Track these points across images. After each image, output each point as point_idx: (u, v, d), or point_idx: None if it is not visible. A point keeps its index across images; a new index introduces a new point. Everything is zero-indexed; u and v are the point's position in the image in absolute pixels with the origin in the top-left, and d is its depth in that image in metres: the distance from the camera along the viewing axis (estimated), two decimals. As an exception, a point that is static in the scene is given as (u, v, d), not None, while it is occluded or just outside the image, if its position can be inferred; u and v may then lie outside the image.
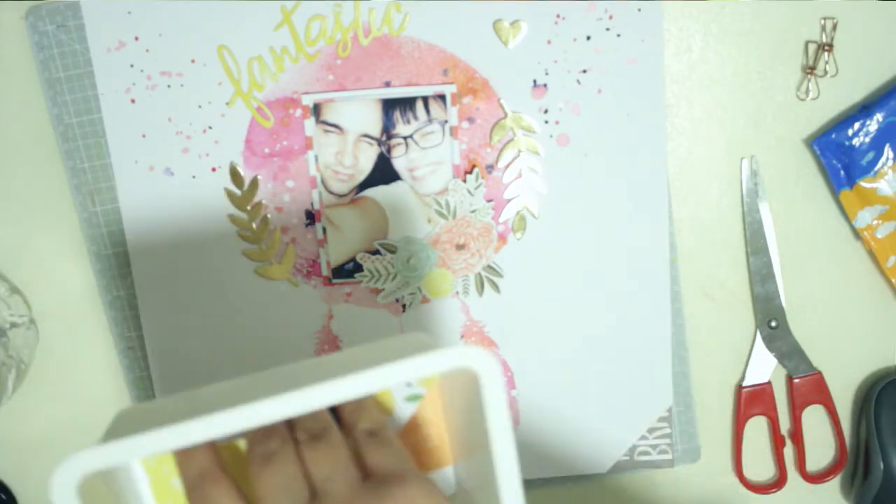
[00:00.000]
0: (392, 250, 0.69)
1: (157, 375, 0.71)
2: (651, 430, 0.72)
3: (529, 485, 0.73)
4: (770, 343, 0.72)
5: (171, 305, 0.69)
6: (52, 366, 0.72)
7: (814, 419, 0.74)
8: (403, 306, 0.70)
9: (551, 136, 0.67)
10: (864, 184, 0.68)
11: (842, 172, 0.68)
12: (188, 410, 0.40)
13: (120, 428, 0.42)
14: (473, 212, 0.68)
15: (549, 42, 0.66)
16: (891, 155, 0.68)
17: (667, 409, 0.71)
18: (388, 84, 0.66)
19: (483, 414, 0.41)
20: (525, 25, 0.65)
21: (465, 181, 0.67)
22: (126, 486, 0.45)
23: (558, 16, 0.65)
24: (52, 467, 0.74)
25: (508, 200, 0.68)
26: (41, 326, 0.71)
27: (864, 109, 0.67)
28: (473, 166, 0.67)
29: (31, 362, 0.71)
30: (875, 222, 0.69)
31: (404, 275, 0.69)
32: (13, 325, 0.68)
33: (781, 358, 0.72)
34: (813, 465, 0.74)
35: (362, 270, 0.69)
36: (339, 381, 0.39)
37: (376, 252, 0.69)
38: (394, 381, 0.40)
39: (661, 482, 0.75)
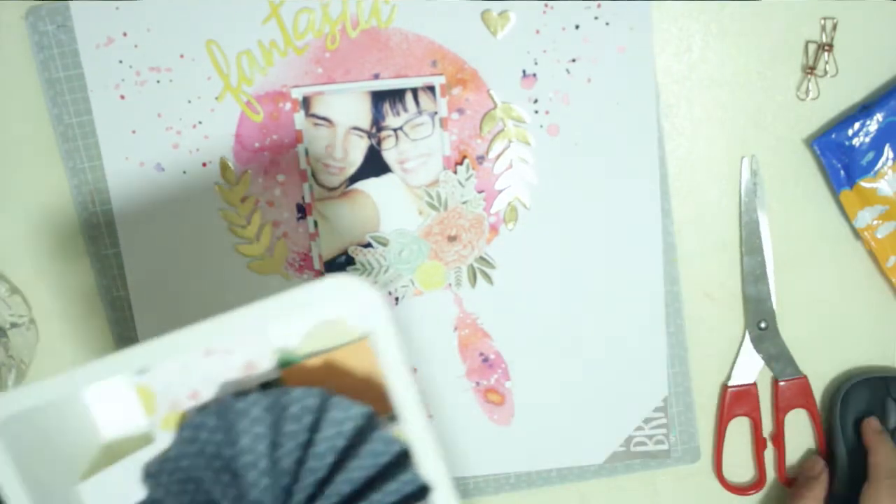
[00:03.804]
0: (384, 243, 0.64)
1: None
2: (647, 421, 0.68)
3: (530, 483, 0.70)
4: (758, 344, 0.69)
5: (165, 302, 0.67)
6: (52, 366, 0.69)
7: (797, 423, 0.70)
8: (396, 299, 0.66)
9: (541, 126, 0.64)
10: (864, 184, 0.66)
11: (842, 172, 0.65)
12: None
13: None
14: (465, 203, 0.64)
15: (537, 32, 0.63)
16: (891, 155, 0.65)
17: (662, 399, 0.68)
18: (376, 76, 0.63)
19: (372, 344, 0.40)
20: (513, 15, 0.62)
21: (455, 172, 0.63)
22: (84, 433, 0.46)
23: (546, 5, 0.62)
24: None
25: (500, 191, 0.65)
26: (41, 326, 0.69)
27: (864, 109, 0.65)
28: (464, 157, 0.64)
29: (31, 362, 0.68)
30: (875, 222, 0.66)
31: (396, 267, 0.66)
32: (13, 325, 0.66)
33: (769, 360, 0.69)
34: (793, 468, 0.71)
35: (354, 263, 0.66)
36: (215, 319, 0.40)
37: (368, 245, 0.66)
38: (265, 317, 0.40)
39: (661, 482, 0.71)
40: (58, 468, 0.43)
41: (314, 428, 0.42)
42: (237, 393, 0.43)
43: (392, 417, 0.43)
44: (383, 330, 0.39)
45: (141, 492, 0.44)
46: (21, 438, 0.40)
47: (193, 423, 0.43)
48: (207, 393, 0.45)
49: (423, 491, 0.40)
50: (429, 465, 0.40)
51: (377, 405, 0.43)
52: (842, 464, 0.68)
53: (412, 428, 0.40)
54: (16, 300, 0.67)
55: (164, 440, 0.45)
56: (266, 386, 0.45)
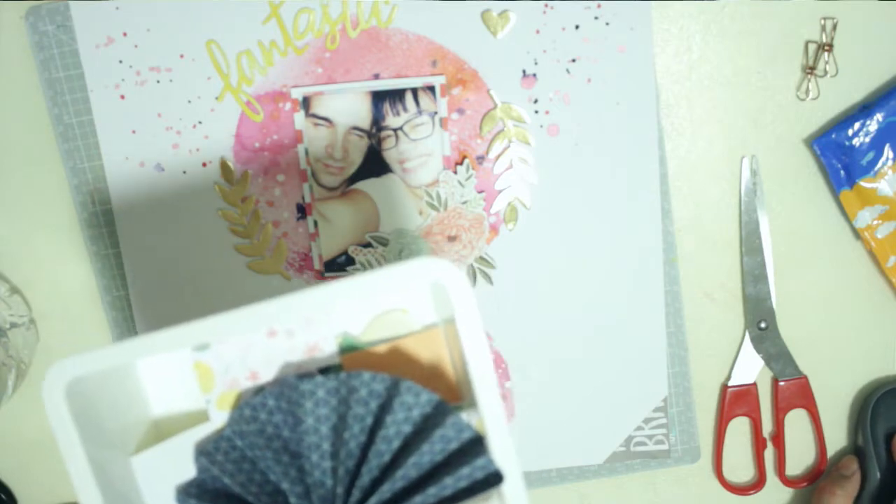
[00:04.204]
0: (384, 243, 0.64)
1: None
2: (647, 420, 0.68)
3: (530, 483, 0.70)
4: (758, 344, 0.68)
5: (165, 302, 0.66)
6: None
7: (797, 423, 0.70)
8: None
9: (542, 126, 0.63)
10: (864, 184, 0.65)
11: (842, 172, 0.65)
12: None
13: None
14: (465, 203, 0.64)
15: (537, 32, 0.62)
16: (891, 155, 0.65)
17: (662, 399, 0.67)
18: (377, 76, 0.62)
19: (456, 329, 0.39)
20: (513, 15, 0.62)
21: (455, 172, 0.63)
22: (135, 409, 0.45)
23: (546, 5, 0.62)
24: (52, 467, 0.70)
25: (500, 191, 0.65)
26: (41, 326, 0.69)
27: (864, 109, 0.64)
28: (464, 157, 0.63)
29: (31, 362, 0.67)
30: (875, 222, 0.66)
31: (396, 268, 0.64)
32: (13, 325, 0.65)
33: (768, 360, 0.69)
34: (792, 469, 0.71)
35: (354, 263, 0.65)
36: (312, 291, 0.40)
37: (368, 245, 0.65)
38: (355, 294, 0.39)
39: (661, 482, 0.71)
40: (112, 440, 0.43)
41: (384, 411, 0.41)
42: (300, 375, 0.43)
43: (458, 409, 0.42)
44: (468, 311, 0.39)
45: (193, 469, 0.44)
46: (81, 404, 0.40)
47: (254, 403, 0.42)
48: (267, 374, 0.45)
49: (494, 478, 0.40)
50: (502, 454, 0.40)
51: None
52: (872, 481, 0.67)
53: (490, 414, 0.39)
54: (16, 300, 0.66)
55: (218, 419, 0.44)
56: (324, 371, 0.45)
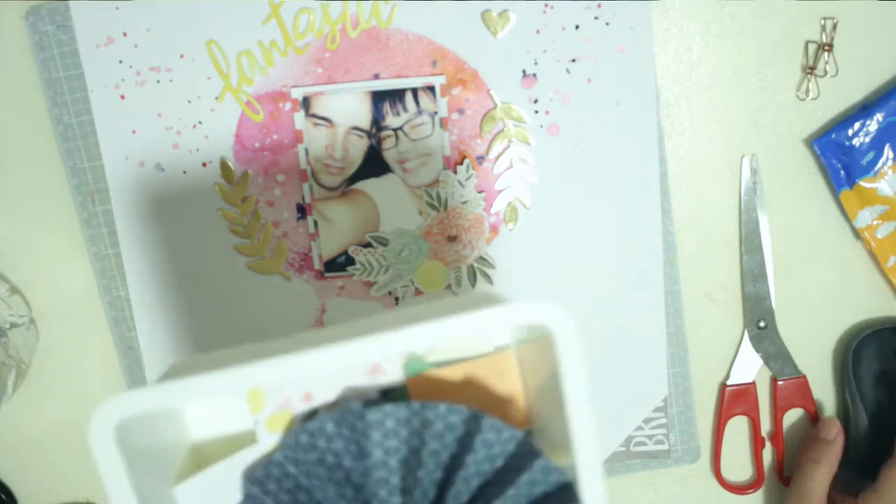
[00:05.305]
0: (384, 243, 0.64)
1: (151, 373, 0.67)
2: (647, 421, 0.67)
3: None
4: (757, 343, 0.68)
5: (165, 302, 0.66)
6: (52, 366, 0.69)
7: (795, 422, 0.70)
8: (396, 299, 0.66)
9: (542, 126, 0.63)
10: (864, 184, 0.65)
11: (842, 172, 0.65)
12: (244, 358, 0.36)
13: (171, 376, 0.38)
14: (465, 203, 0.64)
15: (537, 32, 0.62)
16: (891, 155, 0.65)
17: (662, 399, 0.67)
18: (376, 76, 0.62)
19: (557, 376, 0.36)
20: (513, 15, 0.62)
21: (455, 172, 0.63)
22: (175, 432, 0.41)
23: (546, 5, 0.62)
24: (52, 467, 0.70)
25: (500, 191, 0.64)
26: (41, 326, 0.68)
27: (864, 109, 0.64)
28: (464, 157, 0.63)
29: (31, 362, 0.67)
30: (875, 222, 0.66)
31: (396, 267, 0.64)
32: (13, 325, 0.65)
33: (767, 359, 0.68)
34: (790, 468, 0.70)
35: (354, 263, 0.65)
36: (401, 330, 0.35)
37: (368, 245, 0.65)
38: (460, 332, 0.35)
39: (661, 482, 0.71)
40: (151, 466, 0.39)
41: (462, 447, 0.38)
42: (366, 402, 0.39)
43: (528, 433, 0.40)
44: (576, 361, 0.35)
45: (239, 496, 0.40)
46: (124, 438, 0.36)
47: (311, 428, 0.38)
48: (323, 396, 0.41)
49: None
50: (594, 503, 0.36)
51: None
52: (860, 429, 0.66)
53: (587, 467, 0.36)
54: (16, 300, 0.66)
55: (268, 443, 0.41)
56: (386, 393, 0.41)
